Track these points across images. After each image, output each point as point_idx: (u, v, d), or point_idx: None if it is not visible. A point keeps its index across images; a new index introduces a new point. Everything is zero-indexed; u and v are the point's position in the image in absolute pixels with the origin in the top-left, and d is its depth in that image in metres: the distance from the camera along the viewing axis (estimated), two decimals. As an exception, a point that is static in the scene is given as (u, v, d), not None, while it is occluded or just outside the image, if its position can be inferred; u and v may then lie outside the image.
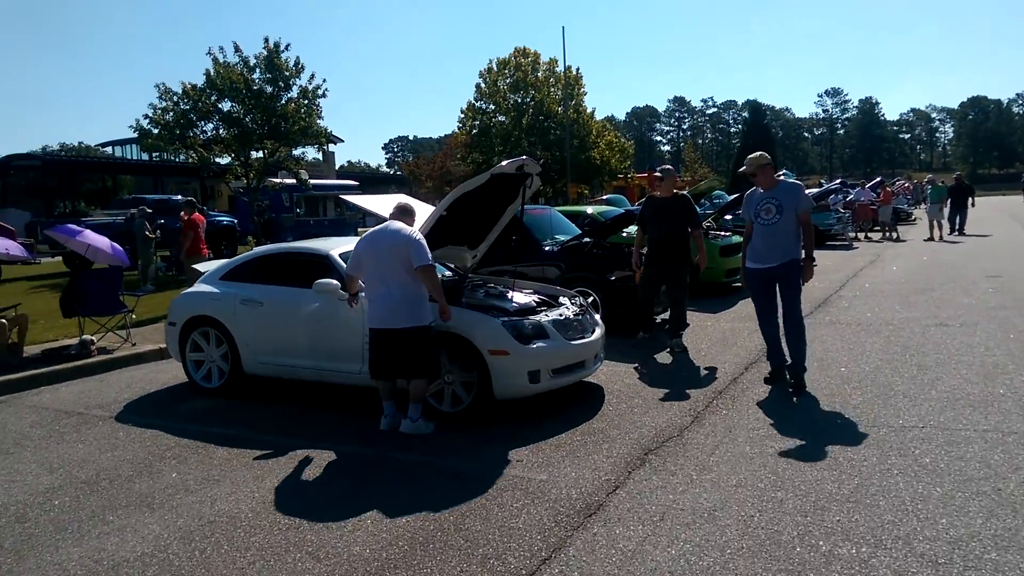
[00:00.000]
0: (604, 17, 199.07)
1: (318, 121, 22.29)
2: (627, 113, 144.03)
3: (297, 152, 23.63)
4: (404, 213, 5.92)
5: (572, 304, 6.94)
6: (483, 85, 47.52)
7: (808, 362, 7.31)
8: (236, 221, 23.87)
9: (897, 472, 4.55)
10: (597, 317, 7.07)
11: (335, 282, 6.32)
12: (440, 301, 5.70)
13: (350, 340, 6.27)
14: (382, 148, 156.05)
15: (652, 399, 6.52)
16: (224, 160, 22.67)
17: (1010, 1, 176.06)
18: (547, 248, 9.84)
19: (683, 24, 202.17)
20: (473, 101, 47.88)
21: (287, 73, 21.10)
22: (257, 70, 21.07)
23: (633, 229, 13.23)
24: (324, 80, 21.74)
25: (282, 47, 21.08)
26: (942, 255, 17.49)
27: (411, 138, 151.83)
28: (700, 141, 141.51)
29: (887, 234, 23.46)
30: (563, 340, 6.16)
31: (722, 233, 13.46)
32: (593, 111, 48.16)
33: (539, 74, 48.05)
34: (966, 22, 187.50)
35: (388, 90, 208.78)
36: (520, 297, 6.75)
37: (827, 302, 11.27)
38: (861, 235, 23.95)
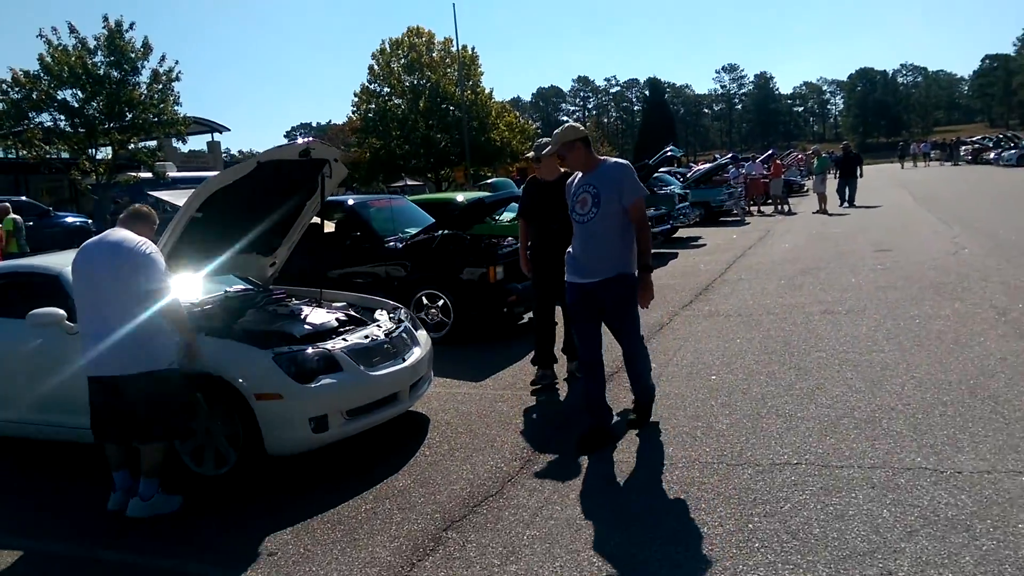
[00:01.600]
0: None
1: (175, 108, 20.10)
2: (532, 94, 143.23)
3: (153, 143, 21.37)
4: (135, 219, 4.42)
5: (390, 320, 5.60)
6: (376, 67, 45.47)
7: (677, 370, 6.21)
8: (90, 221, 21.50)
9: (758, 546, 3.39)
10: (421, 333, 5.73)
11: (56, 311, 4.77)
12: (184, 335, 4.25)
13: (78, 385, 4.73)
14: (284, 136, 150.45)
15: (485, 435, 5.24)
16: (67, 155, 20.27)
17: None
18: (390, 245, 8.43)
19: (586, 3, 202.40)
20: (367, 84, 45.83)
21: (132, 55, 18.87)
22: (99, 52, 18.79)
23: (508, 216, 11.99)
24: (177, 62, 19.68)
25: (125, 26, 18.85)
26: (831, 228, 16.91)
27: (314, 124, 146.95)
28: (605, 120, 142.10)
29: (779, 207, 23.00)
30: (362, 372, 4.79)
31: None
32: (491, 92, 46.74)
33: (434, 55, 46.33)
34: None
35: (290, 75, 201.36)
36: (318, 316, 5.35)
37: (710, 288, 10.27)
38: (754, 209, 23.44)
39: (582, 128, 4.86)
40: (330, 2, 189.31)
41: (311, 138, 5.60)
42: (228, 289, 5.83)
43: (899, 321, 7.34)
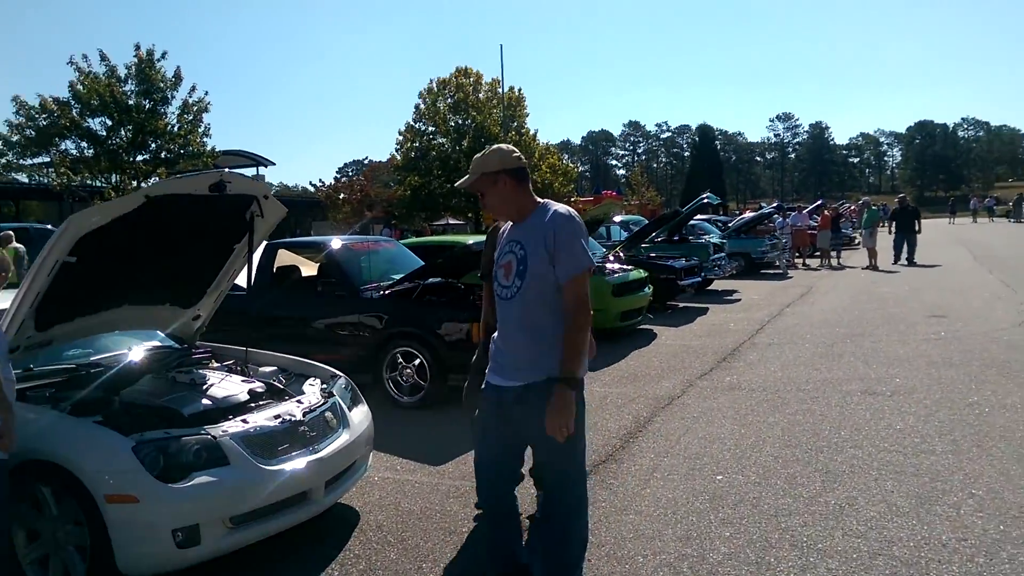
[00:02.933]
0: (557, 40, 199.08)
1: (203, 140, 19.69)
2: (583, 137, 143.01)
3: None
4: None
5: (320, 393, 4.58)
6: (423, 106, 45.42)
7: (678, 463, 5.06)
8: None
9: None
10: (357, 411, 4.68)
11: None
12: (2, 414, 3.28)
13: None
14: (336, 172, 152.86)
15: (417, 550, 4.14)
16: (95, 182, 19.98)
17: (954, 27, 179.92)
18: (367, 293, 7.45)
19: (638, 49, 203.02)
20: (412, 122, 45.77)
21: (162, 85, 18.55)
22: (129, 81, 18.52)
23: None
24: (207, 93, 19.29)
25: (157, 56, 18.56)
26: (881, 287, 15.47)
27: (365, 161, 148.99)
28: (655, 165, 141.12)
29: (824, 261, 21.54)
30: (255, 466, 3.75)
31: (617, 268, 11.21)
32: (536, 133, 46.29)
33: (480, 95, 46.14)
34: (913, 48, 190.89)
35: (343, 111, 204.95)
36: (228, 386, 4.36)
37: (736, 352, 9.05)
38: (799, 262, 22.02)
39: (515, 154, 3.31)
40: (385, 39, 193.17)
41: (226, 168, 4.60)
42: (135, 347, 4.90)
43: (955, 410, 6.05)
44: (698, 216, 21.61)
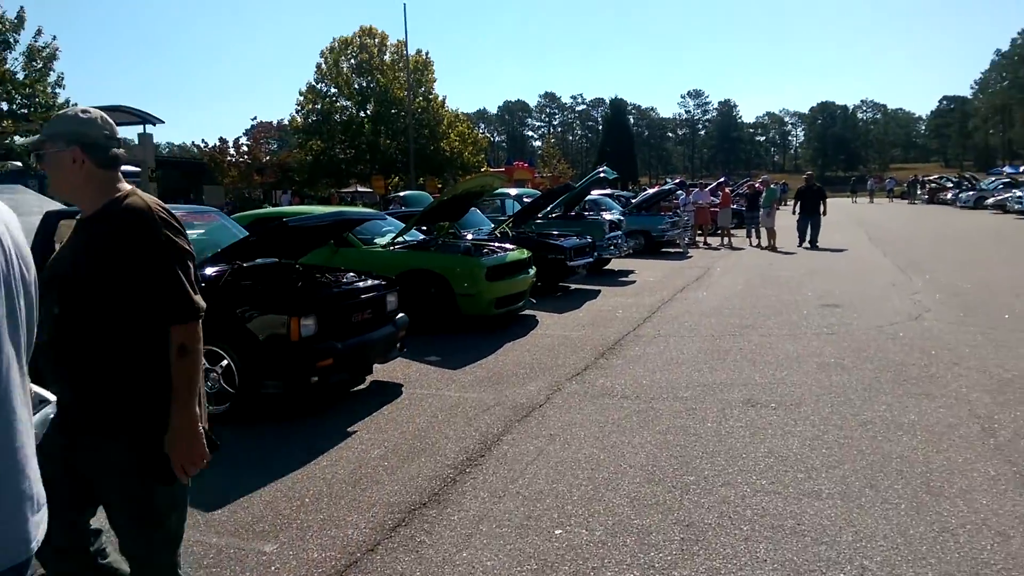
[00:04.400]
0: (472, 5, 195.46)
1: (55, 90, 17.42)
2: (499, 107, 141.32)
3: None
4: None
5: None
6: (324, 65, 43.10)
7: (512, 507, 3.98)
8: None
9: None
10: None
11: None
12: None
13: None
14: (244, 133, 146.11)
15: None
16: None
17: (857, 12, 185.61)
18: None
19: (556, 19, 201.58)
20: (313, 83, 43.40)
21: (1, 28, 16.22)
22: (-39, 25, 16.11)
23: (383, 240, 9.73)
24: (55, 37, 17.00)
25: (-9, -5, 16.19)
26: (777, 270, 14.92)
27: (274, 123, 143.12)
28: (570, 138, 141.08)
29: (723, 240, 21.06)
30: None
31: (495, 247, 10.10)
32: (444, 100, 44.67)
33: (386, 57, 44.10)
34: (818, 30, 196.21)
35: (238, 68, 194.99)
36: None
37: (616, 347, 8.09)
38: (700, 240, 21.48)
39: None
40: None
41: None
42: None
43: (846, 432, 5.19)
44: (599, 191, 20.78)
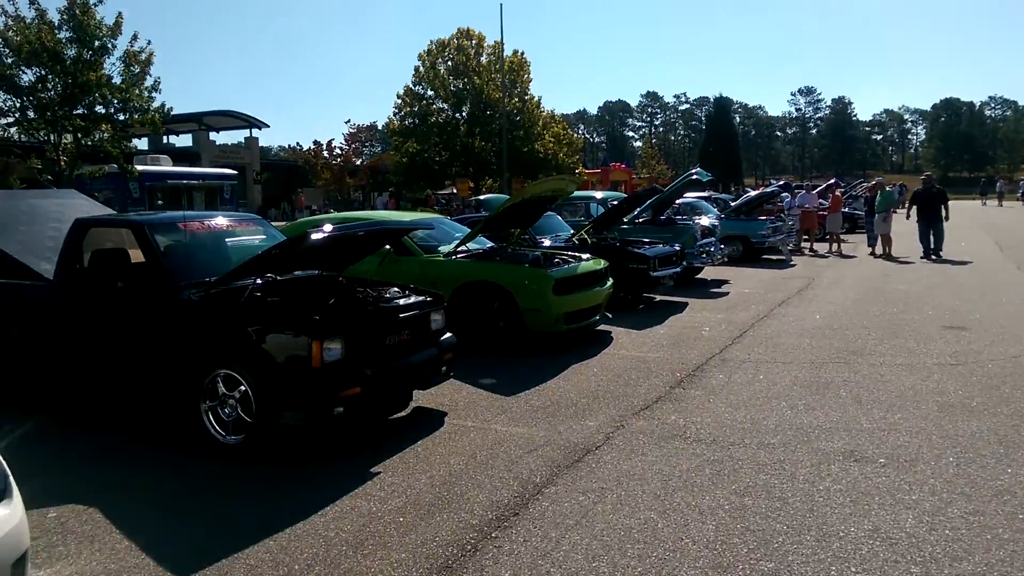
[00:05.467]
0: (570, 5, 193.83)
1: (150, 95, 17.71)
2: (599, 107, 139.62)
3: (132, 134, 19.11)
4: None
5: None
6: (422, 68, 43.20)
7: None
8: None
9: None
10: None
11: None
12: None
13: None
14: (343, 136, 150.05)
15: None
16: (24, 138, 18.13)
17: (983, 3, 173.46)
18: (187, 293, 5.53)
19: (656, 17, 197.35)
20: (411, 85, 43.60)
21: (98, 32, 16.57)
22: (63, 28, 16.57)
23: (446, 248, 9.05)
24: (149, 42, 17.26)
25: (92, 1, 16.57)
26: (893, 282, 13.38)
27: (366, 125, 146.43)
28: (672, 138, 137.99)
29: (832, 247, 19.37)
30: None
31: (568, 256, 9.23)
32: (540, 100, 44.00)
33: (483, 59, 43.84)
34: (939, 23, 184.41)
35: (341, 75, 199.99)
36: None
37: (697, 373, 7.09)
38: (805, 247, 19.87)
39: None
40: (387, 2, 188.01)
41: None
42: None
43: (975, 503, 4.08)
44: (696, 194, 19.58)
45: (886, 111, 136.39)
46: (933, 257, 16.80)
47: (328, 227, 5.62)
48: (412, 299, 5.98)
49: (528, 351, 8.08)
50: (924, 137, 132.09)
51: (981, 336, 8.41)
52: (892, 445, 5.04)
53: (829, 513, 4.02)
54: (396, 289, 6.24)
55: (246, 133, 45.10)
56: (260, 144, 46.74)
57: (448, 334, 6.17)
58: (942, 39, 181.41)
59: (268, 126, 49.18)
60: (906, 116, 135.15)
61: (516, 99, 42.69)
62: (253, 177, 41.39)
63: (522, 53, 43.90)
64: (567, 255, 9.37)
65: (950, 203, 18.36)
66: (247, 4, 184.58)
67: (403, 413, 6.07)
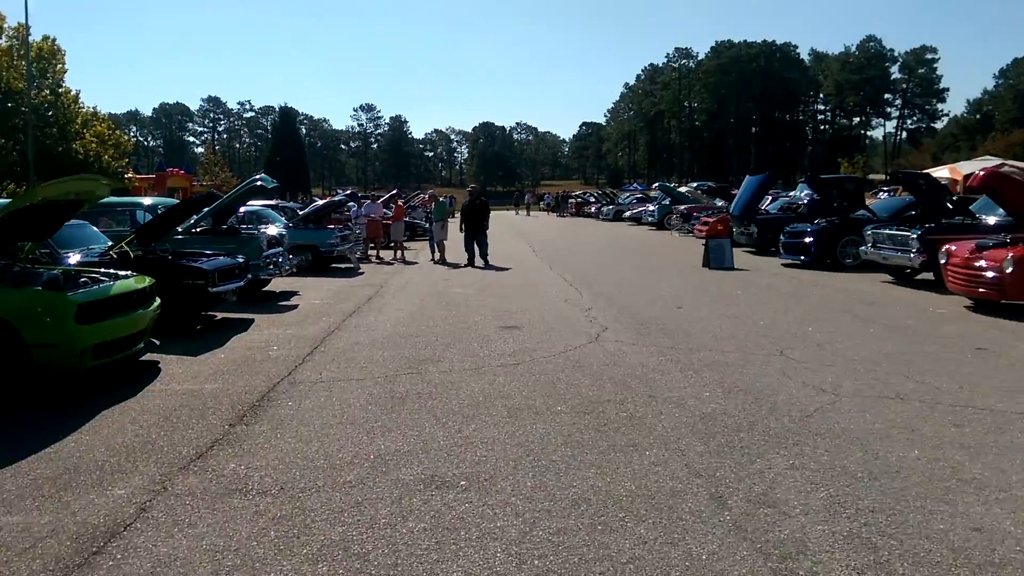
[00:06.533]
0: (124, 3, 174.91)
1: None
2: (155, 109, 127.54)
3: None
4: None
5: None
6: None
7: None
8: None
9: None
10: None
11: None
12: None
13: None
14: None
15: None
16: None
17: (516, 40, 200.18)
18: None
19: (224, 20, 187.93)
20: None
21: None
22: None
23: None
24: None
25: None
26: (453, 286, 13.90)
27: None
28: (238, 145, 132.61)
29: (397, 254, 19.82)
30: None
31: (101, 274, 7.48)
32: (78, 94, 37.97)
33: (2, 41, 36.28)
34: (480, 61, 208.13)
35: None
36: None
37: (264, 402, 6.08)
38: (372, 255, 20.00)
39: None
40: None
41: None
42: None
43: (558, 518, 3.84)
44: (263, 202, 18.36)
45: (436, 131, 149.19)
46: (482, 263, 17.64)
47: None
48: None
49: (41, 398, 6.21)
50: (467, 155, 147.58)
51: (532, 335, 8.87)
52: (470, 462, 4.68)
53: (415, 565, 3.40)
54: None
55: None
56: None
57: None
58: (480, 68, 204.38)
59: None
60: (452, 136, 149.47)
61: (47, 92, 36.29)
62: None
63: (54, 40, 37.53)
64: (99, 273, 7.56)
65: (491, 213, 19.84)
66: None
67: None
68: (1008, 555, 3.32)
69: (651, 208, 36.55)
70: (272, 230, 15.26)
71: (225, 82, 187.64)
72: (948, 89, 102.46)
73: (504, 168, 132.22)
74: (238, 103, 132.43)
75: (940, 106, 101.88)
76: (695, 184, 43.90)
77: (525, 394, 6.23)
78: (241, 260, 10.80)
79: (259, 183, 13.15)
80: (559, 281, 14.21)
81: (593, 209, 49.55)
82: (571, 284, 13.57)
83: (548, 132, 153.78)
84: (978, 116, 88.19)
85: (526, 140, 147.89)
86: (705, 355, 7.57)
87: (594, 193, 61.09)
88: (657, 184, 49.92)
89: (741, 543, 3.53)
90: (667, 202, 34.60)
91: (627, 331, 8.93)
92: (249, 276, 11.10)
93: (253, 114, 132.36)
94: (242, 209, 15.55)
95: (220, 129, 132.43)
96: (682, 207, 30.64)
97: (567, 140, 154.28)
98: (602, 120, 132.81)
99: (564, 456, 4.75)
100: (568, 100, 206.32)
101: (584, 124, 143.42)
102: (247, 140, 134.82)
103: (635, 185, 69.59)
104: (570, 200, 57.29)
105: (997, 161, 22.18)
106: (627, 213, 41.06)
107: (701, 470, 4.46)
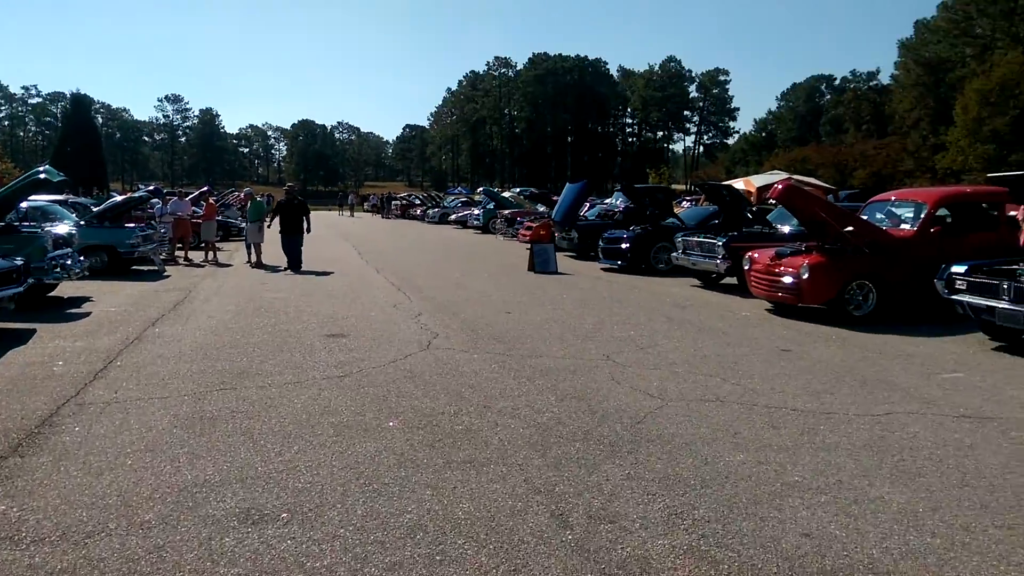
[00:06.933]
0: None
1: None
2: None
3: None
4: None
5: None
6: None
7: None
8: None
9: None
10: None
11: None
12: None
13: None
14: None
15: None
16: None
17: (333, 41, 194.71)
18: None
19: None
20: None
21: None
22: None
23: None
24: None
25: None
26: (269, 291, 13.00)
27: None
28: (22, 134, 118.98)
29: (208, 256, 18.40)
30: None
31: None
32: None
33: None
34: (301, 47, 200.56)
35: None
36: None
37: (45, 428, 5.20)
38: (180, 256, 18.43)
39: None
40: None
41: None
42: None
43: (390, 552, 3.49)
44: (47, 197, 16.32)
45: (251, 126, 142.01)
46: (290, 271, 16.10)
47: None
48: None
49: None
50: (285, 153, 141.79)
51: (360, 343, 8.41)
52: (293, 491, 4.22)
53: (229, 620, 2.94)
54: None
55: None
56: None
57: None
58: (301, 65, 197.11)
59: None
60: (269, 133, 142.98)
61: None
62: None
63: None
64: None
65: (312, 214, 18.74)
66: None
67: None
68: (837, 562, 3.41)
69: (476, 212, 36.80)
70: (60, 228, 13.59)
71: (6, 64, 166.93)
72: (739, 109, 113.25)
73: (326, 167, 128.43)
74: (23, 88, 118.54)
75: (732, 124, 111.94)
76: (518, 189, 44.85)
77: (354, 409, 5.81)
78: (20, 262, 9.43)
79: (43, 175, 11.61)
80: (386, 285, 13.76)
81: (418, 212, 49.18)
82: (399, 288, 13.17)
83: (371, 133, 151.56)
84: (764, 134, 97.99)
85: (348, 140, 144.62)
86: (536, 361, 7.50)
87: (419, 195, 60.69)
88: (482, 188, 50.47)
89: (585, 564, 3.38)
90: (491, 206, 34.94)
91: (459, 337, 8.71)
92: (30, 280, 9.72)
93: (40, 100, 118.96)
94: (24, 205, 13.69)
95: (0, 115, 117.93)
96: (506, 212, 31.02)
97: (391, 141, 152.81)
98: (426, 123, 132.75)
99: (397, 477, 4.41)
100: (391, 102, 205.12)
101: (408, 126, 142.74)
102: (33, 128, 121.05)
103: (459, 189, 70.09)
104: (395, 202, 56.57)
105: (785, 175, 24.36)
106: (453, 216, 41.07)
107: (540, 486, 4.29)
